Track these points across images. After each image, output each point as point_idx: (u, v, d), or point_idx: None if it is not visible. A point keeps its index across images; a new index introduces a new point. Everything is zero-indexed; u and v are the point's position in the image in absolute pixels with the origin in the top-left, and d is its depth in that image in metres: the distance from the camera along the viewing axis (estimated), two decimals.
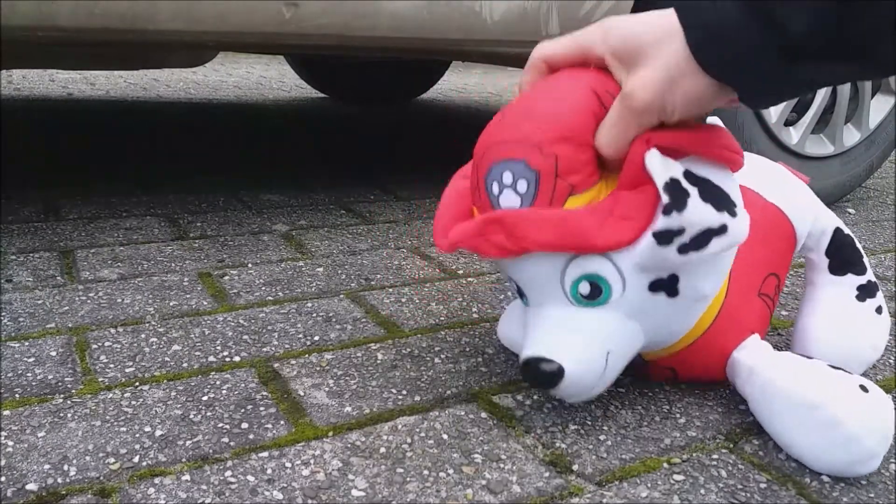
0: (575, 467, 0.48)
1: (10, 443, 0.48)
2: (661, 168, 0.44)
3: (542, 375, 0.49)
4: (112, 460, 0.47)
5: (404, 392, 0.57)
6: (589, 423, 0.54)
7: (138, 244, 0.91)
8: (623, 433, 0.53)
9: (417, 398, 0.56)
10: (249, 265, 0.85)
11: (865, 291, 0.63)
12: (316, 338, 0.66)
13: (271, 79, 3.31)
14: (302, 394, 0.56)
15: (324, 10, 0.84)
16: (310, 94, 2.74)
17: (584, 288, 0.48)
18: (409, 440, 0.51)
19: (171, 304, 0.73)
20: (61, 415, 0.52)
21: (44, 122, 1.87)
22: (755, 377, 0.53)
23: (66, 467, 0.46)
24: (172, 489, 0.44)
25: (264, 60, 4.17)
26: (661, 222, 0.44)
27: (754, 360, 0.54)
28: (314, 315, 0.72)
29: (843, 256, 0.63)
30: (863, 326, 0.62)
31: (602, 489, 0.46)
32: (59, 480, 0.45)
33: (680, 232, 0.45)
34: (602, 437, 0.52)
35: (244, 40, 0.85)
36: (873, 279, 0.64)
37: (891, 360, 0.67)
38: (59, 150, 1.50)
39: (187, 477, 0.46)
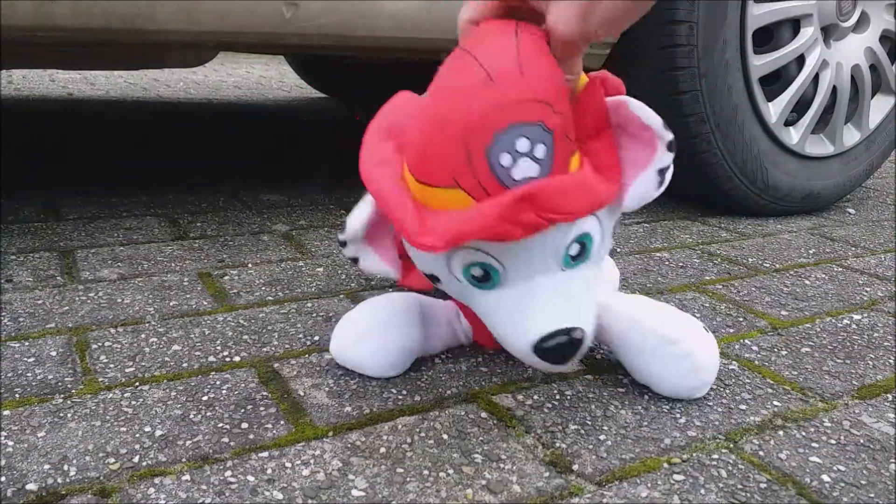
0: (575, 467, 0.48)
1: (10, 443, 0.48)
2: (649, 109, 0.46)
3: (572, 345, 0.47)
4: (112, 460, 0.47)
5: (404, 392, 0.57)
6: (589, 422, 0.54)
7: (138, 244, 0.91)
8: (623, 433, 0.53)
9: (417, 398, 0.56)
10: (249, 265, 0.85)
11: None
12: (316, 338, 0.66)
13: (271, 79, 3.31)
14: (302, 394, 0.56)
15: (324, 10, 0.84)
16: (310, 94, 2.74)
17: (574, 249, 0.48)
18: (409, 440, 0.51)
19: (171, 304, 0.73)
20: (61, 415, 0.52)
21: (44, 122, 1.88)
22: (622, 315, 0.58)
23: (65, 467, 0.46)
24: (172, 489, 0.44)
25: (264, 60, 4.17)
26: (667, 158, 0.46)
27: (619, 299, 0.59)
28: (314, 315, 0.72)
29: None
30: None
31: (602, 489, 0.46)
32: (59, 480, 0.45)
33: (668, 168, 0.47)
34: (602, 437, 0.52)
35: (244, 40, 0.85)
36: None
37: (890, 360, 0.67)
38: (59, 150, 1.51)
39: (187, 477, 0.46)
